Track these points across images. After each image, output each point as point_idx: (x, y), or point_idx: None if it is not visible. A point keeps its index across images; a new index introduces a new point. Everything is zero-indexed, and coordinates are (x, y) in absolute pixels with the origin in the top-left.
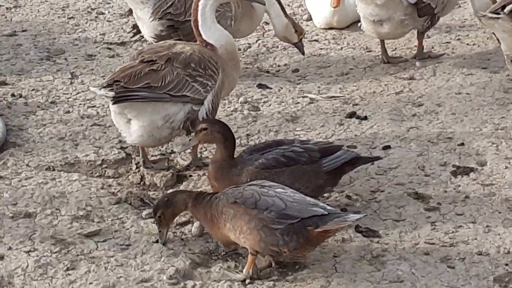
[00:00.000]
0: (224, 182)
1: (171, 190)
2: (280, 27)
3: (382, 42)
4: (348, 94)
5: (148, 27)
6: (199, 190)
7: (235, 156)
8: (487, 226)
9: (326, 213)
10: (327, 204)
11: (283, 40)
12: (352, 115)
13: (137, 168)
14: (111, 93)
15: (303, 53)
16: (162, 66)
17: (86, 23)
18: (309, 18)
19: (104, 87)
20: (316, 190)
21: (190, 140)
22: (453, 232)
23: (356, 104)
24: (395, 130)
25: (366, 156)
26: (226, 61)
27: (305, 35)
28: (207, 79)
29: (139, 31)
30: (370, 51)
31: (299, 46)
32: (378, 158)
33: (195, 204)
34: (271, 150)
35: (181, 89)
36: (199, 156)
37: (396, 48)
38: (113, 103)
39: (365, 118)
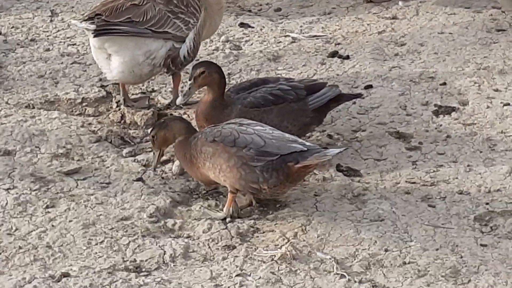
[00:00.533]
0: (214, 122)
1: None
2: None
3: None
4: (330, 33)
5: None
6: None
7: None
8: (468, 166)
9: (305, 149)
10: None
11: None
12: (334, 54)
13: (117, 106)
14: (92, 26)
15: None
16: (144, 1)
17: None
18: None
19: (85, 20)
20: (303, 128)
21: (189, 88)
22: (434, 171)
23: (338, 44)
24: (377, 70)
25: (349, 93)
26: (210, 3)
27: None
28: (189, 16)
29: None
30: None
31: None
32: (360, 95)
33: (182, 140)
34: (258, 88)
35: (162, 25)
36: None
37: None
38: (94, 36)
39: (347, 57)
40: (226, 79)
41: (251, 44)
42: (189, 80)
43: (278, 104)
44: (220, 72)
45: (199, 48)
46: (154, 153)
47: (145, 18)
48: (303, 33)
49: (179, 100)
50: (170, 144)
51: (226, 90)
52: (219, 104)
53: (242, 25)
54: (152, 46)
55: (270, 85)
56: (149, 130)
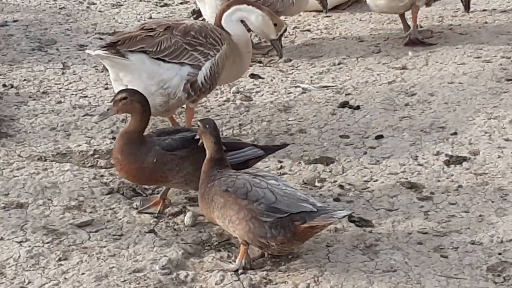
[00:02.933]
0: (129, 157)
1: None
2: (255, 20)
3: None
4: (340, 84)
5: (211, 7)
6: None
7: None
8: (480, 215)
9: (315, 210)
10: (320, 194)
11: (262, 36)
12: (344, 104)
13: None
14: (106, 52)
15: (280, 55)
16: (160, 33)
17: (77, 13)
18: None
19: (100, 49)
20: None
21: (108, 109)
22: (446, 221)
23: (349, 94)
24: (387, 120)
25: (274, 145)
26: (239, 45)
27: (286, 31)
28: (209, 48)
29: (199, 15)
30: (363, 41)
31: (276, 44)
32: (285, 145)
33: (210, 163)
34: (180, 133)
35: (177, 56)
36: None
37: (388, 38)
38: (101, 53)
39: (358, 107)
40: (229, 130)
41: (262, 95)
42: (110, 102)
43: (195, 151)
44: (144, 104)
45: (217, 80)
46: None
47: (158, 48)
48: (314, 83)
49: (95, 118)
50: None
51: (151, 131)
52: (137, 138)
53: (252, 76)
54: (165, 75)
55: (192, 133)
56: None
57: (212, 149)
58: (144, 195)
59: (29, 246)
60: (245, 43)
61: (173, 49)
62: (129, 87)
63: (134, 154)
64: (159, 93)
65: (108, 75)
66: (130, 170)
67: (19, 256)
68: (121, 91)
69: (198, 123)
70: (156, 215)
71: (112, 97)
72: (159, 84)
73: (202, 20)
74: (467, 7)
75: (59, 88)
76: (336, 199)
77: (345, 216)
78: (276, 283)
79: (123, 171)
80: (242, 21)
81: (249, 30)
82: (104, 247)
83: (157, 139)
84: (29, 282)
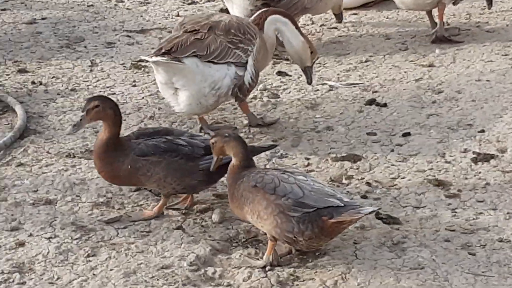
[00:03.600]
0: (107, 165)
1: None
2: (296, 45)
3: (429, 14)
4: (367, 81)
5: (239, 7)
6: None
7: (123, 136)
8: (508, 213)
9: (342, 205)
10: (347, 192)
11: (296, 61)
12: (371, 102)
13: None
14: (165, 58)
15: (310, 82)
16: (205, 35)
17: (105, 11)
18: None
19: (158, 56)
20: (187, 189)
21: (81, 119)
22: (473, 219)
23: (376, 91)
24: (415, 117)
25: (260, 146)
26: (267, 39)
27: (318, 59)
28: (247, 44)
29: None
30: (390, 38)
31: (309, 70)
32: (273, 146)
33: (237, 167)
34: (155, 137)
35: (224, 56)
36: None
37: (415, 35)
38: (160, 60)
39: (385, 105)
40: (256, 128)
41: (289, 92)
42: (82, 111)
43: (168, 157)
44: (116, 110)
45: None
46: (213, 158)
47: (208, 51)
48: (341, 81)
49: (68, 130)
50: (225, 155)
51: (131, 132)
52: (112, 143)
53: (279, 73)
54: (216, 76)
55: (169, 137)
56: (211, 134)
57: (242, 155)
58: None
59: (58, 242)
60: (272, 45)
61: (220, 50)
62: (182, 90)
63: (111, 163)
64: (211, 94)
65: (136, 73)
66: (107, 175)
67: (48, 252)
68: (91, 99)
69: (213, 140)
70: (183, 211)
71: (84, 107)
72: (211, 86)
73: None
74: (490, 3)
75: (88, 85)
76: (364, 196)
77: (372, 212)
78: (304, 280)
79: (101, 175)
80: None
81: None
82: (132, 243)
83: (133, 144)
84: (58, 278)
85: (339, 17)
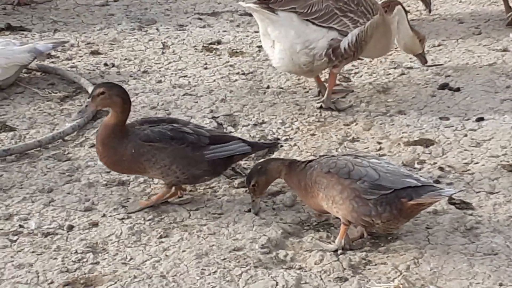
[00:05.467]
0: (110, 150)
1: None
2: (407, 39)
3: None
4: (440, 65)
5: None
6: (291, 158)
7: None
8: None
9: (420, 184)
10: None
11: (407, 52)
12: (444, 86)
13: None
14: (256, 5)
15: (425, 62)
16: None
17: None
18: None
19: (252, 2)
20: (190, 179)
21: (86, 106)
22: None
23: (449, 76)
24: (488, 102)
25: (263, 142)
26: (392, 28)
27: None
28: (359, 16)
29: None
30: (463, 22)
31: (421, 56)
32: (275, 144)
33: (289, 172)
34: (161, 124)
35: (327, 20)
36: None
37: (489, 20)
38: (252, 6)
39: (458, 89)
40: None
41: (361, 76)
42: (88, 98)
43: (174, 144)
44: (124, 96)
45: (363, 48)
46: (254, 201)
47: (309, 10)
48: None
49: (73, 116)
50: (269, 185)
51: (135, 119)
52: (118, 131)
53: None
54: (312, 36)
55: (175, 125)
56: (246, 181)
57: (282, 168)
58: (244, 174)
59: (131, 223)
60: (394, 31)
61: (323, 12)
62: (276, 43)
63: (115, 148)
64: (303, 52)
65: (208, 55)
66: (110, 161)
67: (121, 233)
68: (97, 86)
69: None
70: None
71: (90, 93)
72: (304, 44)
73: None
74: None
75: (159, 68)
76: (436, 181)
77: (453, 194)
78: (376, 264)
79: (103, 161)
80: None
81: None
82: (204, 225)
83: (138, 129)
84: (131, 259)
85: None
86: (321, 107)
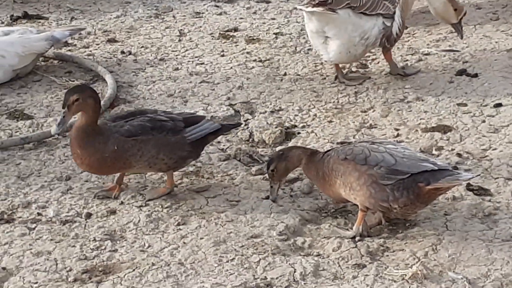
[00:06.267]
0: (89, 149)
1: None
2: (437, 4)
3: None
4: (458, 51)
5: None
6: (313, 148)
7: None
8: None
9: (436, 168)
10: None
11: (442, 20)
12: (462, 72)
13: (245, 125)
14: (321, 8)
15: (461, 36)
16: None
17: None
18: None
19: (313, 6)
20: (179, 162)
21: (63, 117)
22: None
23: (466, 62)
24: (506, 88)
25: (228, 124)
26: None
27: (466, 14)
28: None
29: None
30: (480, 8)
31: (457, 27)
32: (239, 124)
33: (309, 161)
34: (135, 118)
35: (375, 8)
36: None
37: (507, 5)
38: (316, 10)
39: (476, 75)
40: (345, 98)
41: (378, 63)
42: (63, 108)
43: (156, 133)
44: (95, 97)
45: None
46: (272, 187)
47: (361, 3)
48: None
49: (53, 130)
50: (289, 173)
51: (104, 117)
52: (92, 130)
53: None
54: (366, 26)
55: (148, 115)
56: (266, 166)
57: (303, 156)
58: (261, 161)
59: (149, 211)
60: (412, 3)
61: (371, 2)
62: (333, 39)
63: (92, 145)
64: (360, 43)
65: (225, 42)
66: (92, 162)
67: (139, 220)
68: (70, 92)
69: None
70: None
71: (63, 102)
72: (361, 35)
73: None
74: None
75: (176, 55)
76: (454, 168)
77: (471, 178)
78: (394, 251)
79: (84, 165)
80: None
81: None
82: (222, 212)
83: (114, 126)
84: (149, 246)
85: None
86: (390, 73)
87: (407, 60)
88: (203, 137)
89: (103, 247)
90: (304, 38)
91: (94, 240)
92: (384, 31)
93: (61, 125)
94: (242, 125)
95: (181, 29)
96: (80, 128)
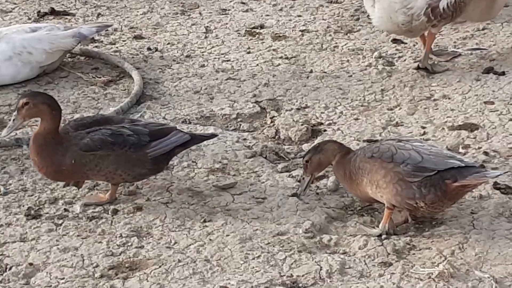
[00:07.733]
0: (46, 159)
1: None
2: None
3: None
4: (485, 49)
5: None
6: (348, 147)
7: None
8: None
9: (463, 165)
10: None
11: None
12: (489, 70)
13: (272, 122)
14: None
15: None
16: None
17: None
18: None
19: None
20: (138, 178)
21: (14, 120)
22: None
23: (493, 60)
24: None
25: (200, 135)
26: None
27: None
28: None
29: None
30: (508, 5)
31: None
32: (213, 135)
33: (341, 159)
34: (98, 129)
35: None
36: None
37: None
38: None
39: (503, 73)
40: (371, 96)
41: (404, 60)
42: (14, 111)
43: (116, 149)
44: (50, 104)
45: (462, 9)
46: (304, 179)
47: None
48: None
49: (4, 133)
50: (324, 168)
51: (67, 123)
52: (51, 138)
53: (395, 41)
54: None
55: (111, 127)
56: (303, 156)
57: (338, 153)
58: (287, 158)
59: (175, 208)
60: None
61: None
62: (377, 2)
63: (50, 156)
64: (402, 11)
65: (251, 39)
66: (49, 172)
67: (165, 217)
68: (20, 97)
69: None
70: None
71: (15, 105)
72: (402, 3)
73: None
74: None
75: (202, 52)
76: (481, 166)
77: (498, 175)
78: (420, 249)
79: (42, 172)
80: None
81: None
82: (248, 209)
83: (75, 136)
84: (175, 243)
85: None
86: (418, 67)
87: (432, 58)
88: (168, 151)
89: (129, 244)
90: (330, 35)
91: (121, 236)
92: (432, 1)
93: (10, 128)
94: (217, 137)
95: (207, 26)
96: (39, 135)
